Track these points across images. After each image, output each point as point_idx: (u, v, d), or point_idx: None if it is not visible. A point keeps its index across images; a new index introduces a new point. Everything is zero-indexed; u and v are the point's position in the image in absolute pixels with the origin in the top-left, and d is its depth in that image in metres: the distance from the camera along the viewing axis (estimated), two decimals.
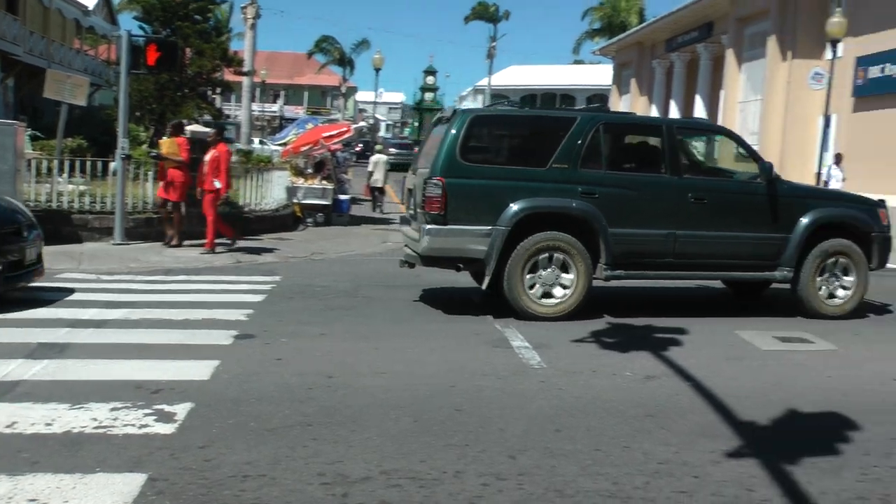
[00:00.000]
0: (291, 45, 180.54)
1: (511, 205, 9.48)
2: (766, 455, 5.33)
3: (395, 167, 43.90)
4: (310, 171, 21.29)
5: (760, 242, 10.32)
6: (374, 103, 69.72)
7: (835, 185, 21.65)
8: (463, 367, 7.31)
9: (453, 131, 9.57)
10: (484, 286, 9.76)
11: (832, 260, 10.47)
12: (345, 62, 73.91)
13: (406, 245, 10.70)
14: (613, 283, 10.14)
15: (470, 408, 6.11)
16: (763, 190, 10.31)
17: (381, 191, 25.11)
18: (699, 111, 33.87)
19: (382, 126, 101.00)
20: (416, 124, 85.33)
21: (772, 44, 27.51)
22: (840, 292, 10.56)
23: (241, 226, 16.75)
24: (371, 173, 25.05)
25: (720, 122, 27.80)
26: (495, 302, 10.13)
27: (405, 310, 10.09)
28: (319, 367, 7.08)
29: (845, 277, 10.55)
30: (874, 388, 7.27)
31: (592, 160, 9.92)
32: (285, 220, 19.06)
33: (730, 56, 30.77)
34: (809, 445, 5.62)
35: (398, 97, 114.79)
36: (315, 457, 4.99)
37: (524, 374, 7.21)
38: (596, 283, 9.91)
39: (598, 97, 67.09)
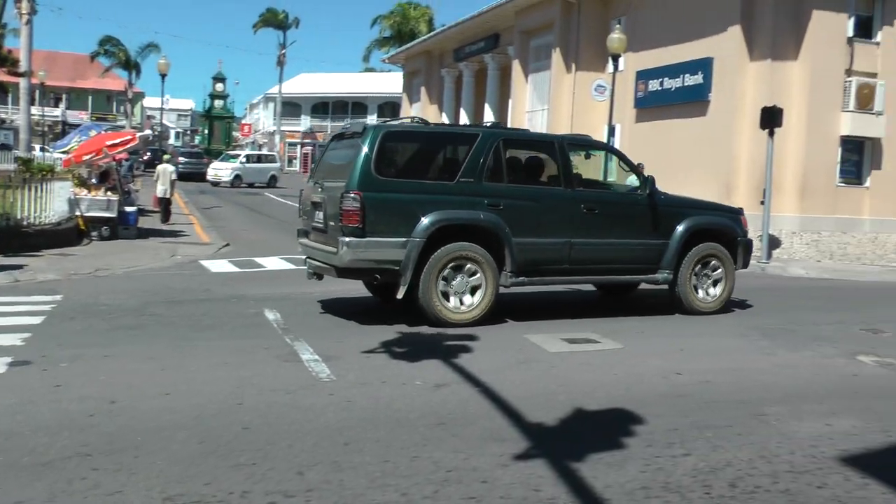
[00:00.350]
0: (73, 45, 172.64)
1: (423, 217, 9.83)
2: (553, 455, 5.52)
3: (185, 177, 42.66)
4: (94, 181, 20.34)
5: (645, 248, 11.31)
6: (162, 110, 67.58)
7: None
8: (251, 383, 7.18)
9: (366, 147, 9.80)
10: (399, 296, 9.95)
11: (704, 262, 11.54)
12: (130, 66, 71.12)
13: (310, 257, 10.90)
14: None
15: (258, 425, 6.01)
16: (644, 200, 11.32)
17: (169, 202, 24.35)
18: (489, 120, 34.64)
19: (172, 133, 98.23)
20: (207, 132, 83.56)
21: (556, 56, 28.54)
22: (712, 290, 11.65)
23: (19, 241, 15.87)
24: (156, 183, 24.33)
25: None
26: (290, 317, 9.99)
27: (194, 327, 9.81)
28: (102, 392, 6.76)
29: (715, 274, 11.63)
30: (656, 382, 7.70)
31: (495, 174, 10.49)
32: (68, 234, 18.02)
33: (516, 67, 31.66)
34: (595, 442, 5.87)
35: (188, 104, 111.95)
36: (94, 489, 4.75)
37: (313, 387, 7.17)
38: None
39: (390, 105, 67.84)
